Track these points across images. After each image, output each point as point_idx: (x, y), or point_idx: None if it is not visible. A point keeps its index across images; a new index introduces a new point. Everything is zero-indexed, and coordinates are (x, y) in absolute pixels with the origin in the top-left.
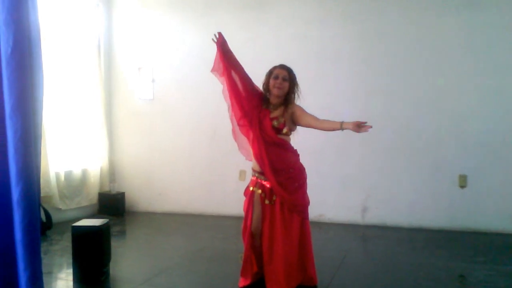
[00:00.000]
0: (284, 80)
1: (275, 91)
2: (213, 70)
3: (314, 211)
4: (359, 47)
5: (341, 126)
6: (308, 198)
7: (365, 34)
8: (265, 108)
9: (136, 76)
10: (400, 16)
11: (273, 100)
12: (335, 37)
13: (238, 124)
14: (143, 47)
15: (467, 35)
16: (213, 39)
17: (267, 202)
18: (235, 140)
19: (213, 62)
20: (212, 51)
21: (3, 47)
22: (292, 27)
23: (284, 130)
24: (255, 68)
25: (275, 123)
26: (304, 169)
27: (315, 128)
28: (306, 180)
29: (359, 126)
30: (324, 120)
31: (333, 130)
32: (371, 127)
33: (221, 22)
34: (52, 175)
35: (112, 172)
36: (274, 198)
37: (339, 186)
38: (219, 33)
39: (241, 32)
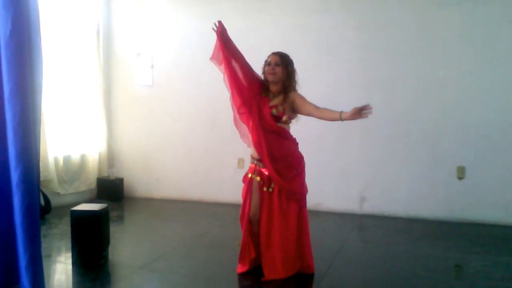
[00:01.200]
0: (277, 65)
1: (269, 78)
2: (212, 58)
3: (312, 200)
4: (360, 37)
5: (340, 117)
6: (306, 186)
7: (366, 24)
8: (265, 96)
9: (135, 61)
10: (401, 6)
11: (272, 88)
12: (335, 27)
13: (238, 112)
14: (142, 33)
15: (469, 26)
16: (213, 28)
17: (265, 189)
18: (237, 128)
19: (213, 50)
20: (212, 37)
21: (1, 30)
22: (292, 17)
23: (284, 118)
24: (255, 57)
25: (274, 111)
26: (302, 157)
27: (315, 117)
28: (304, 169)
29: (358, 113)
30: (324, 109)
31: (333, 120)
32: (369, 107)
33: (221, 9)
34: (50, 160)
35: (110, 158)
36: (272, 185)
37: (337, 175)
38: (219, 22)
39: (241, 20)
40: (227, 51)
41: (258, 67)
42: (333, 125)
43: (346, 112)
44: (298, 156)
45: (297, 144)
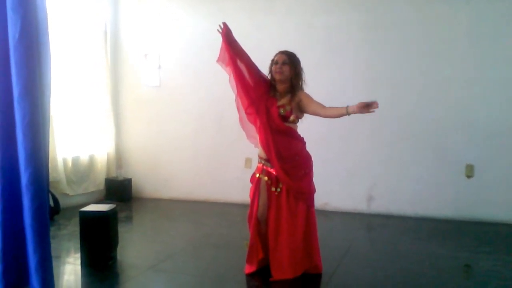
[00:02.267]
0: (284, 64)
1: (276, 76)
2: (218, 60)
3: (319, 199)
4: (365, 36)
5: (347, 111)
6: (314, 186)
7: (371, 23)
8: (272, 96)
9: (142, 62)
10: (407, 5)
11: (279, 87)
12: (341, 26)
13: (246, 112)
14: (149, 34)
15: (475, 24)
16: (218, 30)
17: (273, 189)
18: (243, 129)
19: (219, 52)
20: (219, 38)
21: (11, 32)
22: (298, 16)
23: (291, 118)
24: (261, 56)
25: (281, 111)
26: (310, 157)
27: (322, 116)
28: (312, 168)
29: (365, 107)
30: (330, 107)
31: (340, 116)
32: (377, 105)
33: (228, 9)
34: (59, 161)
35: (119, 158)
36: (280, 185)
37: (344, 175)
38: (224, 23)
39: (247, 19)
40: (233, 52)
41: (264, 66)
42: (340, 125)
43: (352, 106)
44: (305, 155)
45: (305, 143)
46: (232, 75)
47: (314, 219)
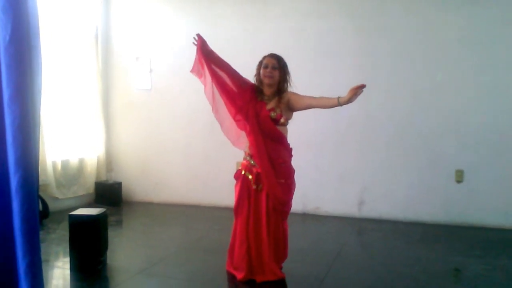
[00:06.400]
0: (274, 68)
1: (266, 80)
2: (192, 71)
3: (311, 204)
4: (358, 41)
5: (338, 102)
6: (291, 203)
7: (365, 28)
8: (260, 100)
9: (133, 66)
10: (400, 10)
11: (267, 91)
12: (334, 31)
13: (235, 120)
14: (141, 37)
15: (467, 30)
16: (193, 42)
17: (254, 187)
18: (228, 138)
19: (193, 63)
20: (211, 41)
21: (1, 34)
22: (291, 20)
23: (282, 120)
24: (253, 60)
25: (272, 114)
26: (293, 170)
27: (315, 107)
28: (293, 181)
29: (354, 93)
30: (321, 97)
31: (332, 107)
32: (364, 85)
33: (220, 13)
34: (49, 164)
35: (109, 162)
36: (261, 185)
37: (336, 179)
38: (198, 35)
39: (240, 24)
40: (212, 62)
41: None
42: (332, 130)
43: (343, 97)
44: (289, 165)
45: (291, 149)
46: (207, 86)
47: (286, 226)
